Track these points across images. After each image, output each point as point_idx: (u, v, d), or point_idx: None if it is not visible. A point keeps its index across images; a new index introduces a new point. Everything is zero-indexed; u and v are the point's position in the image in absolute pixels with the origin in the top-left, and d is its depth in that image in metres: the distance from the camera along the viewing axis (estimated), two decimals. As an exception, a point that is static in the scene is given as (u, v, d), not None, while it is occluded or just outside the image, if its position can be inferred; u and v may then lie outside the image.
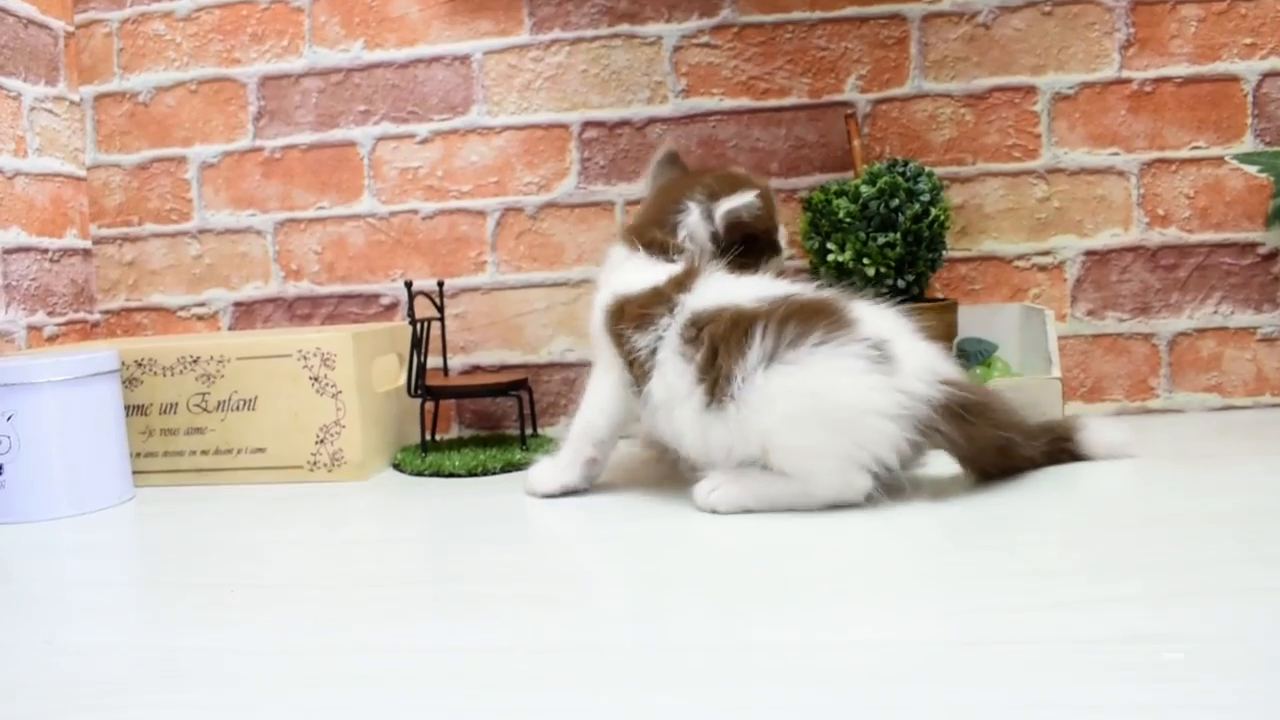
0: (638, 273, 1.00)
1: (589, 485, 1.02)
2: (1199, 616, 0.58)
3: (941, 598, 0.65)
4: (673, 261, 1.00)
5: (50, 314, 1.35)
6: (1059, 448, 0.98)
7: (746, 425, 0.87)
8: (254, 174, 1.40)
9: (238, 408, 1.15)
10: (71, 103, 1.41)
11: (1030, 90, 1.27)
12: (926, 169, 1.13)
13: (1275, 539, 0.73)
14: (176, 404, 1.16)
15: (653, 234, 1.03)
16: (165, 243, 1.42)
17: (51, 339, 1.35)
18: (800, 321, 0.87)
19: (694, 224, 1.02)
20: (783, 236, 1.08)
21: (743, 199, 1.00)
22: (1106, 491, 0.91)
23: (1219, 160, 1.25)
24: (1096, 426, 1.00)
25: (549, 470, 1.02)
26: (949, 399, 0.85)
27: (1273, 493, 0.87)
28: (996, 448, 0.89)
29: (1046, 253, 1.28)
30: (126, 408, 1.15)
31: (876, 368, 0.84)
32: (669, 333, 0.93)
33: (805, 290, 0.92)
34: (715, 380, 0.88)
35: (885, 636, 0.59)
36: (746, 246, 1.02)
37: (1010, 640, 0.56)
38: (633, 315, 0.96)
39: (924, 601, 0.64)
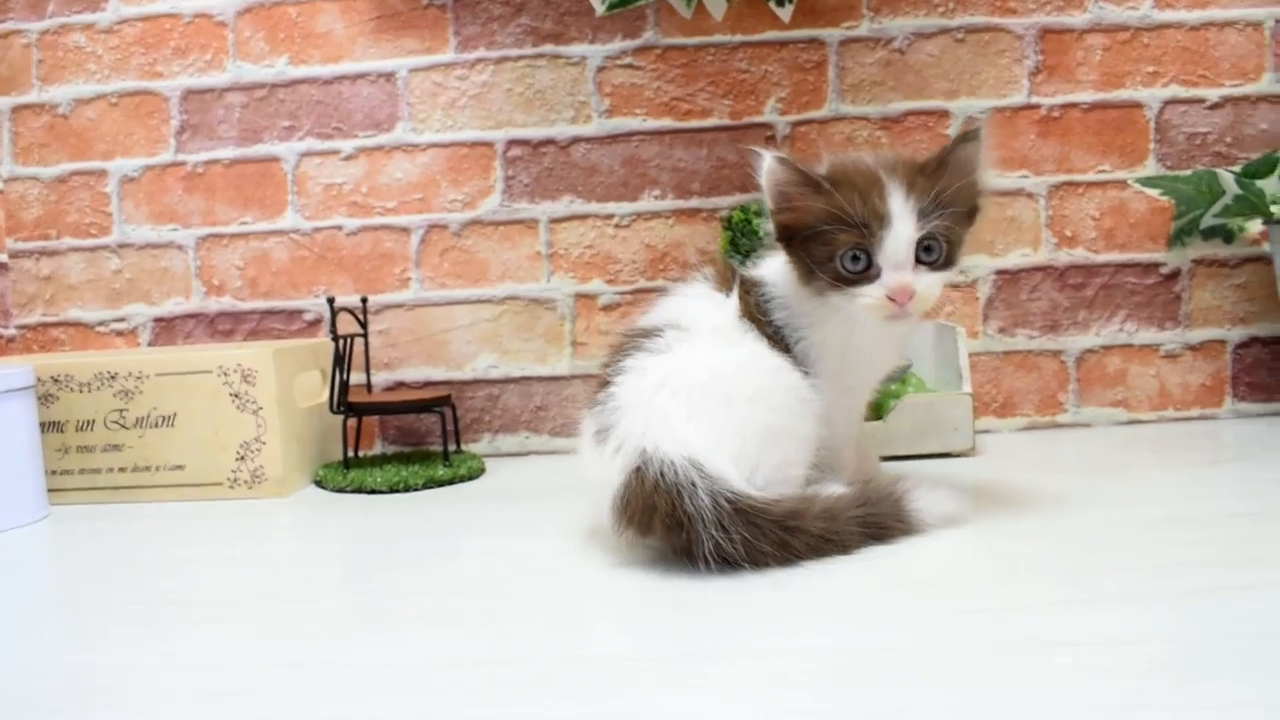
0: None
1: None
2: (1094, 621, 0.61)
3: (849, 605, 0.67)
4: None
5: (-36, 329, 1.32)
6: (878, 526, 0.80)
7: None
8: (176, 188, 1.39)
9: (156, 424, 1.14)
10: (-13, 115, 1.39)
11: (943, 114, 1.31)
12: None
13: (1172, 546, 0.77)
14: (93, 421, 1.15)
15: None
16: (84, 257, 1.41)
17: (-35, 354, 1.33)
18: (598, 385, 0.86)
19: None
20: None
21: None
22: (1014, 502, 0.93)
23: (1123, 184, 1.30)
24: (925, 495, 0.85)
25: None
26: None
27: (1172, 502, 0.91)
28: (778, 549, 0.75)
29: (959, 272, 1.31)
30: (42, 424, 1.13)
31: (596, 445, 0.81)
32: None
33: (658, 325, 0.86)
34: None
35: (799, 644, 0.61)
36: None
37: (910, 647, 0.59)
38: None
39: (834, 609, 0.66)
